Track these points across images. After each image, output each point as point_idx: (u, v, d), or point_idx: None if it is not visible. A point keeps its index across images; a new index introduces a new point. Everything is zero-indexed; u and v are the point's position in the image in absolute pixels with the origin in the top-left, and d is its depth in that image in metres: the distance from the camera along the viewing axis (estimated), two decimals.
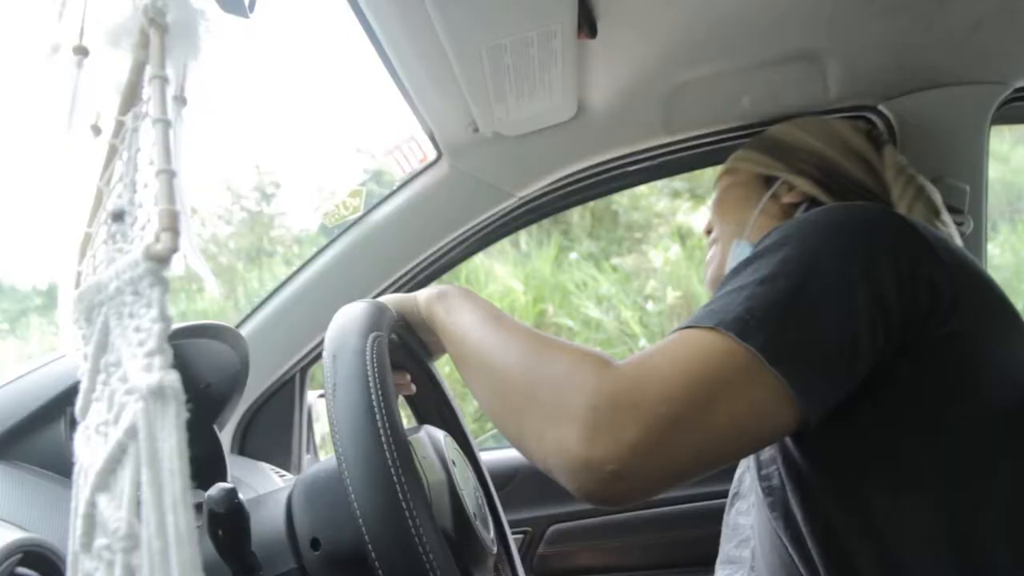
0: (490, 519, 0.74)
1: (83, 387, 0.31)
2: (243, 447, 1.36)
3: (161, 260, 0.23)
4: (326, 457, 1.04)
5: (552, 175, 1.27)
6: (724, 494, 1.34)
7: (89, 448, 0.29)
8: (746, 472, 0.91)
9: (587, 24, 0.92)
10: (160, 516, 0.21)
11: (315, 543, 0.62)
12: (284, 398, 1.38)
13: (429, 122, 1.14)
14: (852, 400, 0.57)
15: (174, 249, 0.22)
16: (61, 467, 0.80)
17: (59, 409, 0.81)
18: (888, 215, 0.63)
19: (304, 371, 1.39)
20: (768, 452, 0.70)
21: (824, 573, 0.63)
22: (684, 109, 1.15)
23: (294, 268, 1.33)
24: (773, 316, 0.54)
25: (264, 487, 1.09)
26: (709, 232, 1.02)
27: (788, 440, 0.65)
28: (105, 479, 0.25)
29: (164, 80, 0.28)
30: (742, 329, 0.53)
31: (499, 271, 4.99)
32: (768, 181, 0.95)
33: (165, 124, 0.26)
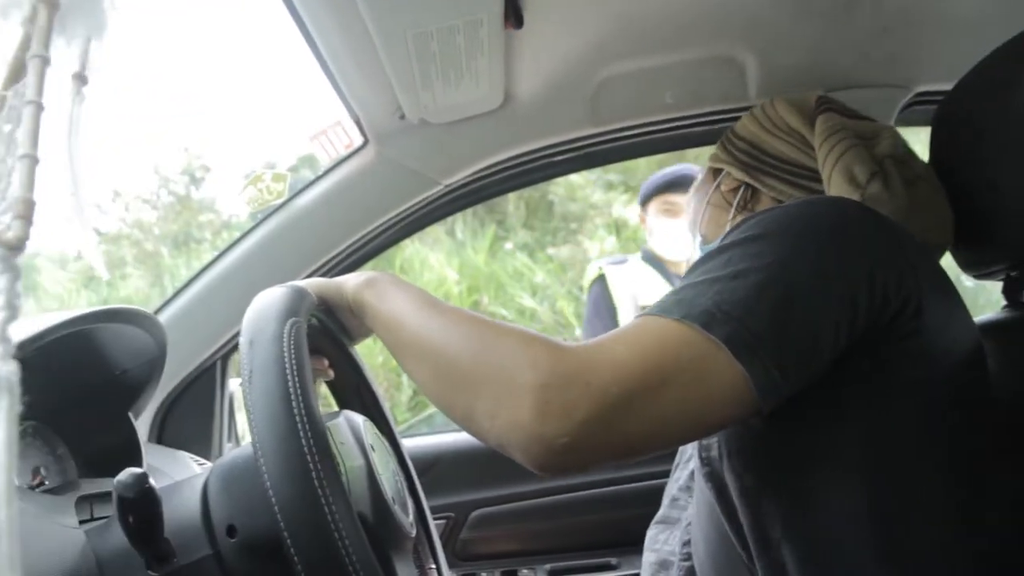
0: (410, 503, 0.75)
1: None
2: (161, 436, 1.33)
3: (11, 248, 0.22)
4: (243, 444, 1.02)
5: (478, 163, 1.27)
6: (649, 476, 1.37)
7: None
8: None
9: (514, 14, 0.93)
10: None
11: (231, 530, 0.61)
12: (205, 386, 1.35)
13: (355, 108, 1.13)
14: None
15: (25, 238, 0.22)
16: None
17: None
18: (864, 213, 0.63)
19: (226, 358, 1.36)
20: None
21: (754, 548, 0.65)
22: (609, 101, 1.17)
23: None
24: (742, 310, 0.55)
25: (182, 475, 1.07)
26: None
27: None
28: None
29: (44, 61, 0.27)
30: (708, 321, 0.54)
31: (433, 260, 4.95)
32: (715, 173, 0.96)
33: (37, 107, 0.25)
